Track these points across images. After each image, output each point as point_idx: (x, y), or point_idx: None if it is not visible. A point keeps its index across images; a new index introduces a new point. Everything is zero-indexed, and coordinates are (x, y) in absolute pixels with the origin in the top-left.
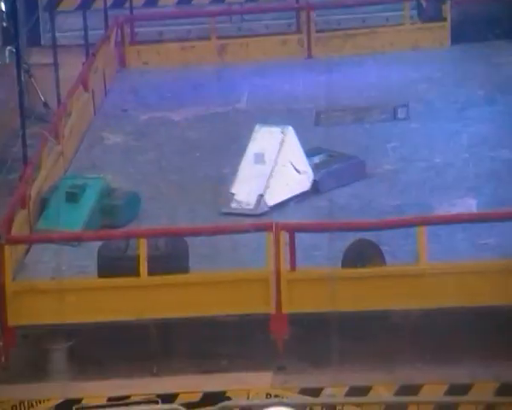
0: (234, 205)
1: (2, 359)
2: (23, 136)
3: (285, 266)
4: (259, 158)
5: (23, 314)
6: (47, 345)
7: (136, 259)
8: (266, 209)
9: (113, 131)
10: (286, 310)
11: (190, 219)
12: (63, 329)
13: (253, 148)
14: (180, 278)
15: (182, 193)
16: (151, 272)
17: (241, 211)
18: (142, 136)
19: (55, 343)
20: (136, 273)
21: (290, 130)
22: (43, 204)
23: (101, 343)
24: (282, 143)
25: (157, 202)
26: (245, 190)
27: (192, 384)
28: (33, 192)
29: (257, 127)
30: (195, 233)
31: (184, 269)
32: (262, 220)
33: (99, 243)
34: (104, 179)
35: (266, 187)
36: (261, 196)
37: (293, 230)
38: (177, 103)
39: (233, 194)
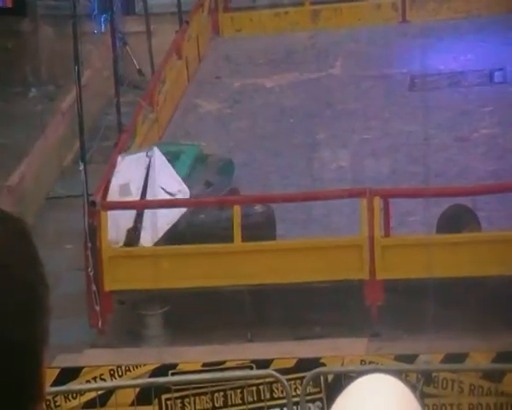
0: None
1: (100, 324)
2: (118, 103)
3: (379, 232)
4: (125, 190)
5: (119, 280)
6: (143, 310)
7: (227, 226)
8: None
9: (207, 98)
10: (380, 276)
11: (283, 186)
12: (159, 294)
13: (116, 181)
14: (274, 244)
15: (275, 160)
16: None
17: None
18: (236, 103)
19: (150, 309)
20: (228, 239)
21: (156, 151)
22: None
23: (195, 309)
24: (148, 167)
25: (251, 169)
26: (113, 227)
27: (286, 351)
28: None
29: (119, 158)
30: (288, 200)
31: (271, 236)
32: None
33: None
34: (198, 146)
35: (141, 227)
36: (133, 231)
37: (387, 196)
38: (271, 70)
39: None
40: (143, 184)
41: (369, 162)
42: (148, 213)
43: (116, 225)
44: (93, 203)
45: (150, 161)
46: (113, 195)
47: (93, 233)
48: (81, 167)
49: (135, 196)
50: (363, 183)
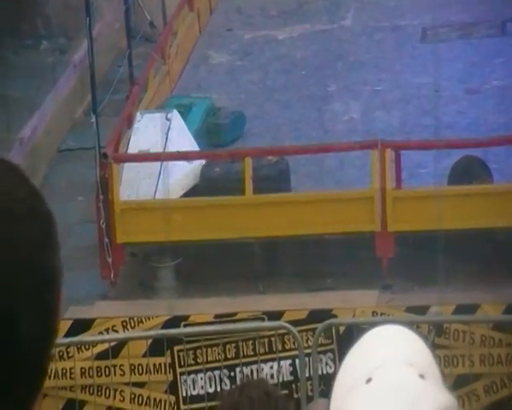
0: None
1: (112, 275)
2: (129, 56)
3: (390, 184)
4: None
5: (131, 232)
6: (154, 263)
7: (241, 178)
8: None
9: (219, 50)
10: (391, 228)
11: (295, 139)
12: (170, 247)
13: (135, 142)
14: (285, 196)
15: (286, 112)
16: (255, 192)
17: None
18: (247, 55)
19: (162, 261)
20: (241, 192)
21: (175, 114)
22: None
23: (207, 262)
24: (168, 131)
25: (262, 121)
26: (131, 195)
27: (298, 302)
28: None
29: (138, 116)
30: (299, 152)
31: (286, 189)
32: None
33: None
34: (210, 99)
35: (156, 190)
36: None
37: (398, 147)
38: (282, 22)
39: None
40: (163, 150)
41: (380, 114)
42: (165, 176)
43: (135, 195)
44: (105, 155)
45: (170, 125)
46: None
47: (105, 185)
48: (93, 120)
49: (154, 163)
50: (375, 135)
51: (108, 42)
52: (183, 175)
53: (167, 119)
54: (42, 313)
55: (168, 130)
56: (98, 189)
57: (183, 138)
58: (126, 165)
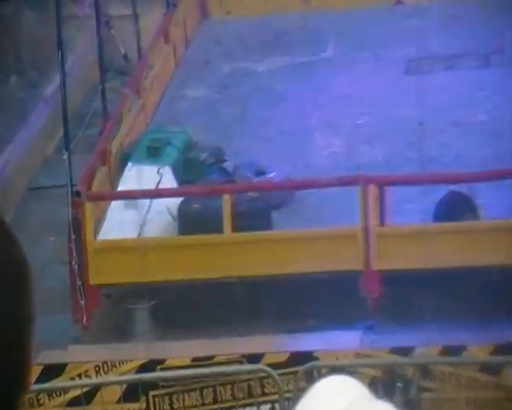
0: None
1: (85, 319)
2: (103, 90)
3: (374, 221)
4: (130, 202)
5: (105, 273)
6: (130, 304)
7: (220, 215)
8: None
9: (196, 83)
10: (376, 267)
11: (277, 173)
12: (146, 288)
13: (123, 189)
14: (266, 235)
15: (266, 146)
16: (235, 230)
17: None
18: (226, 88)
19: (138, 303)
20: (220, 230)
21: (167, 170)
22: (125, 160)
23: (184, 303)
24: (158, 185)
25: (242, 157)
26: (115, 224)
27: (278, 344)
28: (114, 148)
29: (129, 166)
30: (280, 188)
31: (267, 226)
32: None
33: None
34: (187, 133)
35: (143, 225)
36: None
37: (382, 183)
38: (261, 54)
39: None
40: (149, 201)
41: (363, 148)
42: (150, 226)
43: (119, 220)
44: (77, 193)
45: (161, 179)
46: (118, 205)
47: (77, 225)
48: (65, 156)
49: (139, 212)
50: (358, 169)
51: (81, 75)
52: (167, 227)
53: (159, 173)
54: (8, 365)
55: (158, 184)
56: (70, 228)
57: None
58: (110, 208)
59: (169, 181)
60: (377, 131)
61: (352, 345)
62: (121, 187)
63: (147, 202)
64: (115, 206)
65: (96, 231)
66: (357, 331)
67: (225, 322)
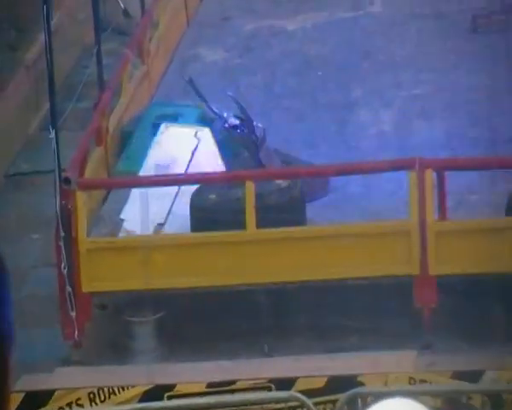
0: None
1: (76, 334)
2: (98, 53)
3: (433, 215)
4: (162, 171)
5: (101, 278)
6: (130, 317)
7: (242, 208)
8: None
9: (212, 45)
10: (434, 271)
11: (310, 158)
12: (150, 297)
13: (155, 155)
14: (298, 231)
15: (298, 124)
16: (260, 225)
17: None
18: (248, 51)
19: (140, 315)
20: (242, 226)
21: (207, 132)
22: (125, 139)
23: (197, 315)
24: (193, 152)
25: (268, 136)
26: (138, 215)
27: (313, 367)
28: (112, 125)
29: (162, 127)
30: (315, 174)
31: (300, 221)
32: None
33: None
34: (200, 108)
35: (168, 214)
36: (161, 225)
37: (442, 168)
38: (292, 8)
39: (122, 220)
40: (184, 170)
41: (418, 125)
42: (182, 201)
43: (143, 216)
44: (67, 181)
45: (198, 145)
46: (148, 172)
47: (67, 219)
48: (51, 135)
49: (161, 203)
50: (412, 152)
51: (71, 36)
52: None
53: (196, 137)
54: None
55: (194, 150)
56: (59, 223)
57: (210, 163)
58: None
59: (208, 146)
60: (436, 103)
61: (405, 368)
62: (152, 152)
63: (182, 170)
64: (144, 174)
65: (90, 227)
66: (411, 351)
67: (248, 339)
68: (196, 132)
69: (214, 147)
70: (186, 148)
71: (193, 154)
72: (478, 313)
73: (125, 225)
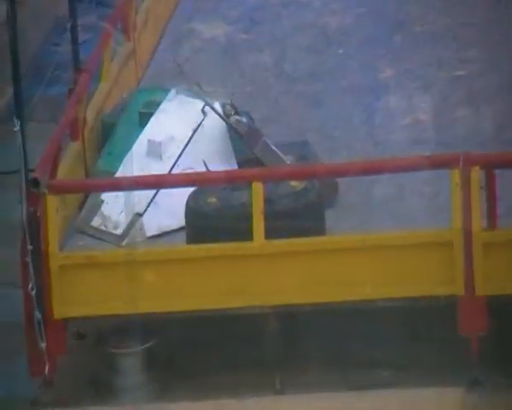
0: (95, 221)
1: (46, 369)
2: (73, 28)
3: (480, 222)
4: (154, 149)
5: (76, 302)
6: (113, 348)
7: (247, 214)
8: (140, 240)
9: (211, 18)
10: (482, 291)
11: (328, 153)
12: (137, 323)
13: (156, 125)
14: (316, 243)
15: (315, 112)
16: (269, 236)
17: (99, 235)
18: (254, 25)
19: (126, 345)
20: (248, 237)
21: (217, 107)
22: (106, 132)
23: (194, 344)
24: (196, 128)
25: (278, 126)
26: (118, 200)
27: (335, 407)
28: (90, 115)
29: (172, 93)
30: (337, 173)
31: (318, 231)
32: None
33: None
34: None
35: (149, 204)
36: (139, 215)
37: (492, 165)
38: None
39: (102, 201)
40: (179, 151)
41: (462, 113)
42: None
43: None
44: (35, 183)
45: (203, 120)
46: (139, 147)
47: (36, 229)
48: (16, 128)
49: (163, 164)
50: (454, 146)
51: (40, 6)
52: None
53: (203, 111)
54: None
55: (198, 126)
56: (25, 235)
57: (216, 143)
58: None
59: (216, 123)
60: (487, 86)
61: (448, 408)
62: (154, 120)
63: (177, 151)
64: (136, 148)
65: (64, 239)
66: (455, 388)
67: (255, 373)
68: (204, 106)
69: (223, 126)
70: (188, 122)
71: (194, 132)
72: None
73: (103, 209)
